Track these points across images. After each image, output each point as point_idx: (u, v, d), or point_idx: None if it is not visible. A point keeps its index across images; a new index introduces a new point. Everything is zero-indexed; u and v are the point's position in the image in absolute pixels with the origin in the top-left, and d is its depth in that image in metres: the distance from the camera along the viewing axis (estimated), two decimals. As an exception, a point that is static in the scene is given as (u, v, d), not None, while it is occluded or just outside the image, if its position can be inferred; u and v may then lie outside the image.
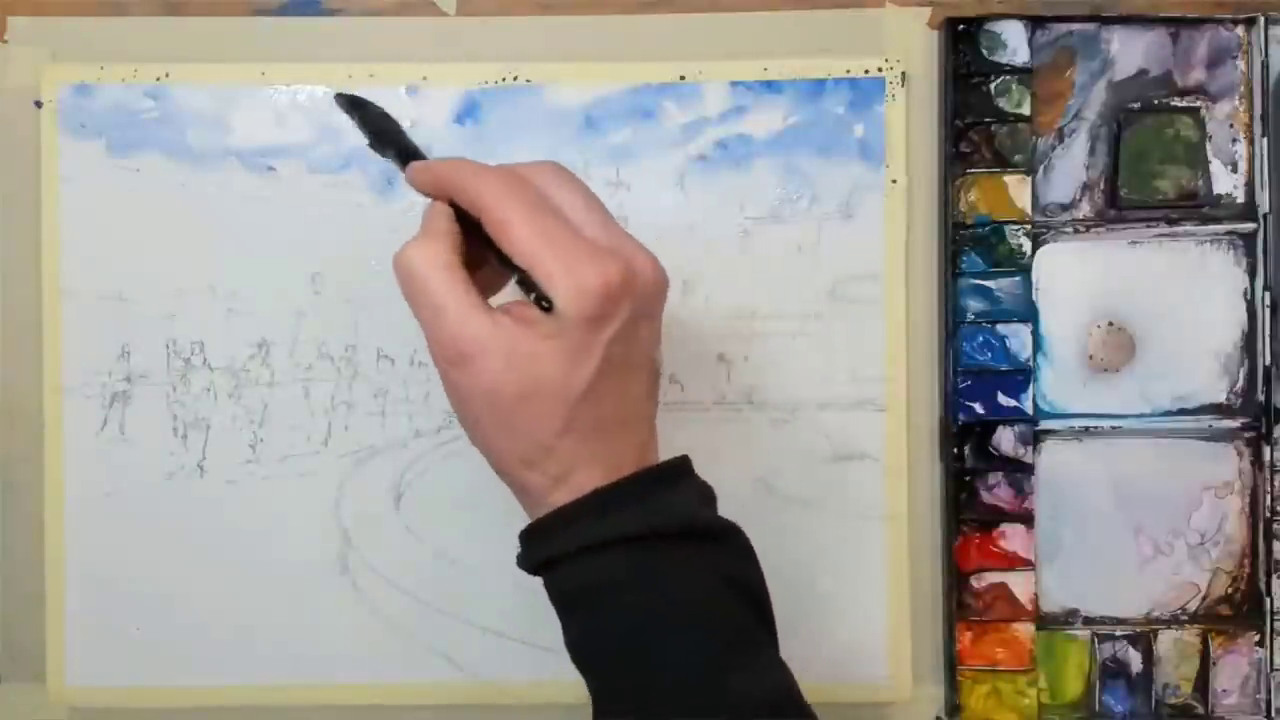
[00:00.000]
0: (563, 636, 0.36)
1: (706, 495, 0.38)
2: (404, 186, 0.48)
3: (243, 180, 0.48)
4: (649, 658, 0.34)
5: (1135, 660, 0.48)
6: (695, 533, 0.36)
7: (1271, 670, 0.48)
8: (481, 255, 0.36)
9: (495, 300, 0.36)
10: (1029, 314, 0.48)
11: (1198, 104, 0.48)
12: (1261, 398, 0.48)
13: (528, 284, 0.34)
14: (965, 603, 0.48)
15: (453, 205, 0.36)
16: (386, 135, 0.41)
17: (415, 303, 0.35)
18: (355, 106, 0.42)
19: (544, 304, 0.33)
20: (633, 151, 0.48)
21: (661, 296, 0.36)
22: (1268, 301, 0.48)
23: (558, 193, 0.35)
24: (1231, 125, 0.48)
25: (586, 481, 0.35)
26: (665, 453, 0.47)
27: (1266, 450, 0.48)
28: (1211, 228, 0.48)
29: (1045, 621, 0.48)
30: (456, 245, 0.35)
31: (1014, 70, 0.47)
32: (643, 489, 0.35)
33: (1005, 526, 0.48)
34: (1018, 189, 0.48)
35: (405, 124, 0.47)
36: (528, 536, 0.36)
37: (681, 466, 0.37)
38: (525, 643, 0.48)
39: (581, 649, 0.36)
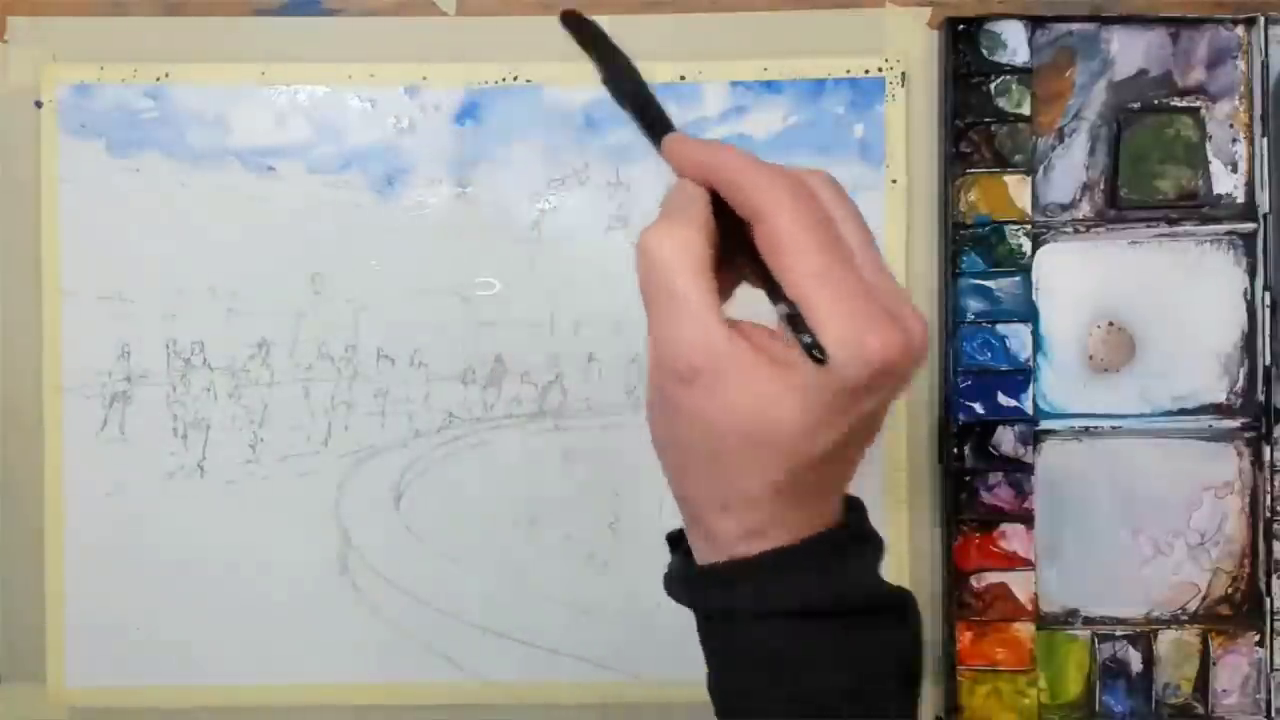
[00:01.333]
0: (705, 678, 0.33)
1: (880, 554, 0.34)
2: (405, 186, 0.48)
3: (243, 180, 0.48)
4: None
5: (1135, 660, 0.48)
6: (876, 608, 0.32)
7: (1271, 670, 0.48)
8: (727, 260, 0.31)
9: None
10: (1029, 314, 0.48)
11: (1198, 104, 0.48)
12: (1261, 398, 0.48)
13: (797, 324, 0.28)
14: (965, 603, 0.48)
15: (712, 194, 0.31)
16: (630, 89, 0.36)
17: (654, 293, 0.30)
18: (598, 40, 0.37)
19: (816, 354, 0.28)
20: (633, 151, 0.48)
21: (925, 361, 0.31)
22: (1268, 301, 0.48)
23: (840, 216, 0.30)
24: (1231, 125, 0.48)
25: (778, 540, 0.31)
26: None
27: (1266, 450, 0.48)
28: (1211, 228, 0.48)
29: (1045, 621, 0.48)
30: (712, 241, 0.30)
31: (1014, 70, 0.47)
32: (835, 552, 0.32)
33: (1005, 526, 0.48)
34: (1018, 189, 0.48)
35: (405, 124, 0.48)
36: (704, 575, 0.33)
37: (863, 526, 0.34)
38: (525, 643, 0.48)
39: (728, 703, 0.33)
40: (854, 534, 0.33)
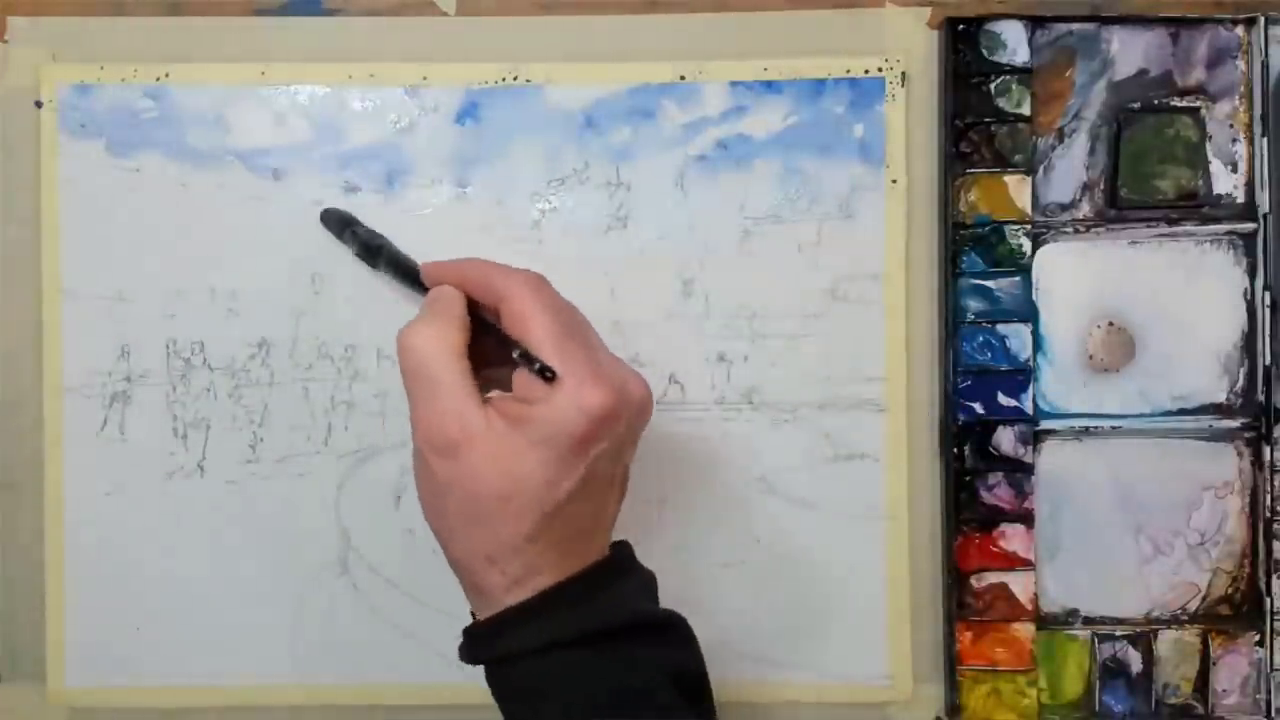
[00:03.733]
0: None
1: (648, 585, 0.39)
2: (405, 186, 0.48)
3: (243, 180, 0.48)
4: None
5: (1135, 660, 0.48)
6: (638, 627, 0.36)
7: (1271, 670, 0.48)
8: (480, 356, 0.37)
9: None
10: (1029, 314, 0.48)
11: (1198, 104, 0.48)
12: (1261, 398, 0.48)
13: (529, 357, 0.35)
14: (965, 603, 0.48)
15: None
16: (379, 250, 0.44)
17: (414, 381, 0.35)
18: (345, 224, 0.46)
19: (548, 375, 0.34)
20: (633, 151, 0.48)
21: (647, 419, 0.37)
22: (1268, 301, 0.48)
23: (564, 304, 0.37)
24: (1231, 125, 0.48)
25: (542, 585, 0.35)
26: (663, 457, 0.48)
27: (1266, 450, 0.48)
28: (1211, 228, 0.48)
29: (1045, 621, 0.48)
30: (464, 328, 0.36)
31: (1014, 70, 0.47)
32: (587, 588, 0.36)
33: (1005, 526, 0.48)
34: (1018, 189, 0.48)
35: (405, 124, 0.48)
36: (473, 634, 0.37)
37: (623, 561, 0.38)
38: (525, 643, 0.48)
39: None
40: (612, 568, 0.37)
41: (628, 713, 0.35)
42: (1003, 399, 0.48)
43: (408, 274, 0.43)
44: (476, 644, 0.37)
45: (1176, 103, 0.48)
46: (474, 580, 0.36)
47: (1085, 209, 0.48)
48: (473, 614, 0.38)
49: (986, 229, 0.48)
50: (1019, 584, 0.48)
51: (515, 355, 0.36)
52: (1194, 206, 0.48)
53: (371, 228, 0.46)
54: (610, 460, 0.36)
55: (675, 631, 0.38)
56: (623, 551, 0.39)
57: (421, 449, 0.36)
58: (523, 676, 0.36)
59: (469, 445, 0.34)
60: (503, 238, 0.48)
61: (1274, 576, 0.48)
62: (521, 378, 0.36)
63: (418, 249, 0.48)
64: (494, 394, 0.36)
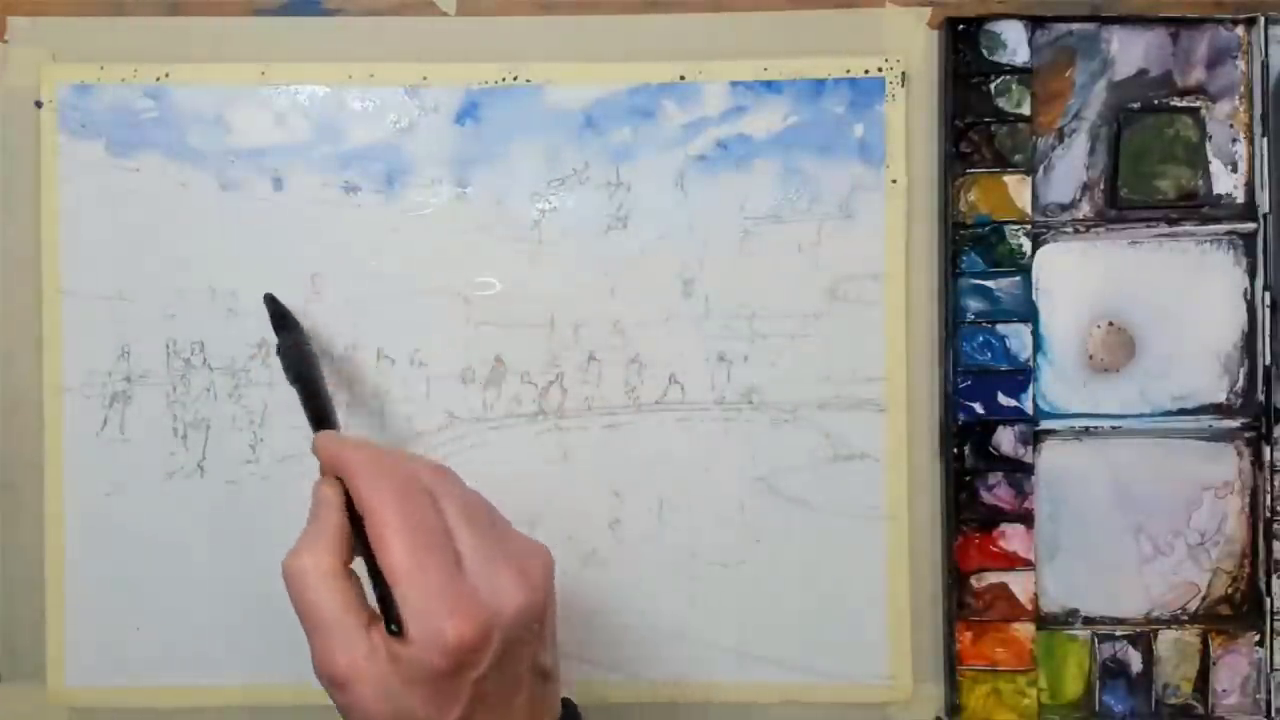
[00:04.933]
0: None
1: None
2: (405, 186, 0.48)
3: (242, 180, 0.48)
4: None
5: (1135, 660, 0.48)
6: None
7: (1271, 670, 0.48)
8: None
9: None
10: (1029, 314, 0.48)
11: (1198, 104, 0.48)
12: (1261, 398, 0.48)
13: (386, 603, 0.34)
14: (965, 603, 0.48)
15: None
16: (304, 374, 0.43)
17: (299, 611, 0.35)
18: (282, 326, 0.44)
19: (392, 629, 0.33)
20: (633, 151, 0.48)
21: (536, 614, 0.35)
22: (1268, 301, 0.48)
23: (447, 503, 0.35)
24: (1231, 125, 0.48)
25: None
26: (663, 457, 0.48)
27: (1266, 450, 0.48)
28: (1211, 228, 0.48)
29: (1045, 621, 0.48)
30: (345, 542, 0.35)
31: (1014, 70, 0.47)
32: None
33: (1005, 526, 0.48)
34: (1018, 189, 0.48)
35: (405, 124, 0.48)
36: None
37: None
38: (525, 643, 0.48)
39: None
40: None
41: None
42: (1003, 399, 0.48)
43: (312, 423, 0.41)
44: None
45: (1176, 103, 0.48)
46: None
47: (1085, 209, 0.48)
48: None
49: (986, 229, 0.48)
50: (1019, 584, 0.48)
51: (375, 600, 0.35)
52: (1194, 206, 0.48)
53: (308, 350, 0.44)
54: (499, 674, 0.34)
55: None
56: None
57: (319, 679, 0.35)
58: None
59: (356, 680, 0.33)
60: (502, 237, 0.48)
61: (1274, 576, 0.48)
62: None
63: (418, 249, 0.48)
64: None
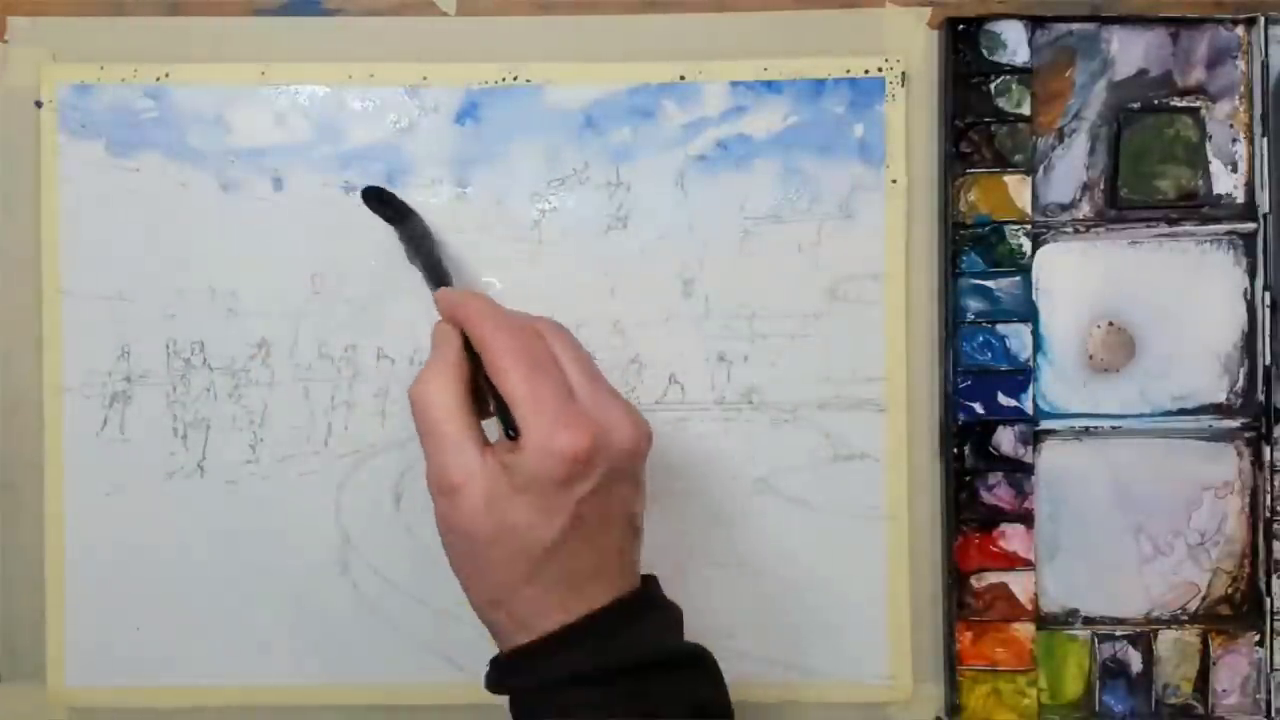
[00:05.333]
0: None
1: (673, 621, 0.39)
2: (405, 186, 0.48)
3: (242, 180, 0.48)
4: None
5: (1135, 660, 0.48)
6: (658, 663, 0.37)
7: (1271, 670, 0.48)
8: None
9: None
10: (1029, 314, 0.48)
11: (1198, 104, 0.48)
12: (1261, 398, 0.48)
13: (504, 412, 0.36)
14: (965, 603, 0.48)
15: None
16: (422, 248, 0.44)
17: (421, 429, 0.37)
18: (399, 217, 0.46)
19: (510, 434, 0.36)
20: (633, 151, 0.48)
21: (639, 458, 0.37)
22: (1268, 301, 0.48)
23: (560, 349, 0.38)
24: (1231, 125, 0.48)
25: (547, 627, 0.36)
26: (663, 457, 0.48)
27: (1266, 450, 0.48)
28: (1211, 228, 0.48)
29: (1045, 621, 0.48)
30: (464, 374, 0.38)
31: (1014, 70, 0.47)
32: (605, 626, 0.36)
33: (1005, 526, 0.48)
34: (1018, 189, 0.48)
35: (405, 124, 0.48)
36: (494, 667, 0.38)
37: (640, 600, 0.38)
38: (525, 643, 0.48)
39: None
40: (625, 608, 0.37)
41: None
42: (1003, 399, 0.48)
43: (432, 283, 0.43)
44: (493, 677, 0.38)
45: (1176, 103, 0.48)
46: (485, 620, 0.38)
47: (1085, 209, 0.48)
48: None
49: (986, 229, 0.48)
50: (1019, 584, 0.48)
51: (491, 409, 0.38)
52: (1194, 206, 0.48)
53: (424, 223, 0.46)
54: (599, 501, 0.36)
55: (697, 667, 0.38)
56: (643, 589, 0.39)
57: (430, 490, 0.37)
58: (538, 710, 0.37)
59: (466, 486, 0.35)
60: (503, 237, 0.48)
61: (1274, 576, 0.48)
62: None
63: (418, 249, 0.48)
64: (496, 441, 0.37)
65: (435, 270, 0.43)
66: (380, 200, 0.46)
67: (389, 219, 0.46)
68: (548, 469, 0.35)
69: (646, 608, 0.38)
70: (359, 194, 0.47)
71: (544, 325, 0.39)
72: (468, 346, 0.38)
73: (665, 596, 0.40)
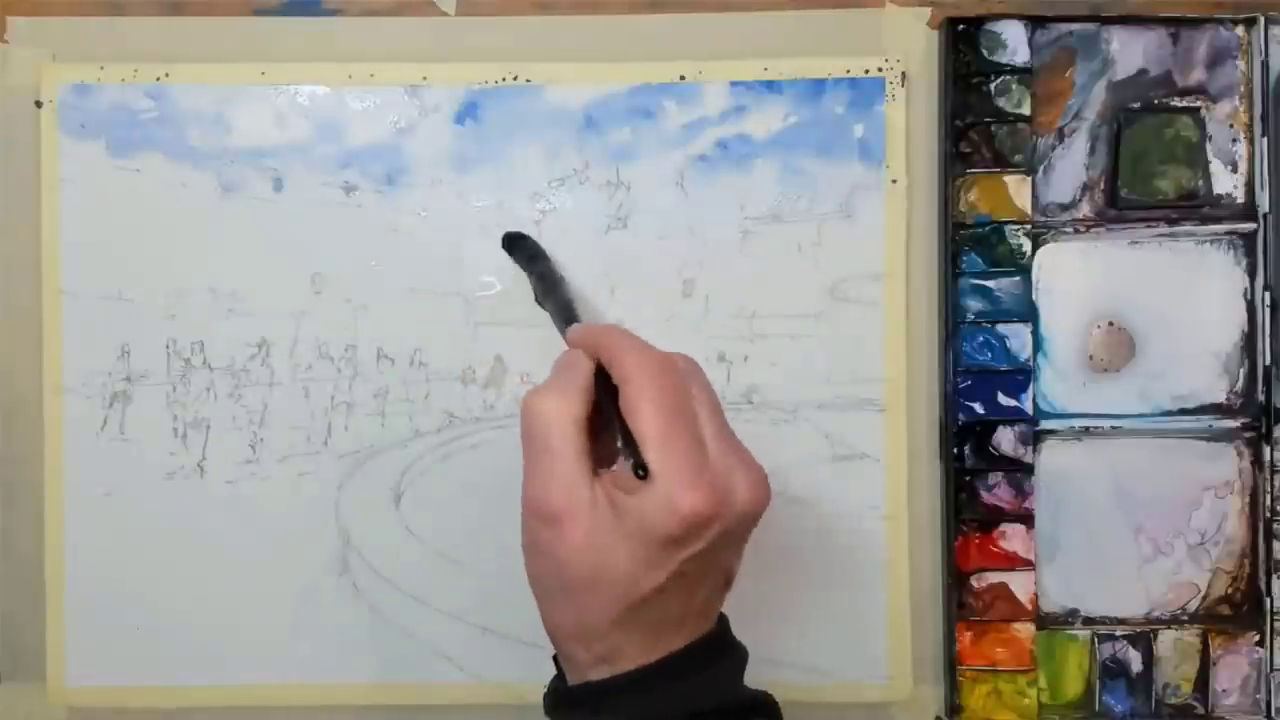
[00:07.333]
0: None
1: (738, 665, 0.38)
2: (405, 186, 0.48)
3: (242, 180, 0.48)
4: None
5: (1135, 660, 0.48)
6: (723, 711, 0.36)
7: (1271, 670, 0.48)
8: (603, 423, 0.36)
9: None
10: (1029, 314, 0.48)
11: (1198, 104, 0.48)
12: (1261, 398, 0.48)
13: (632, 448, 0.34)
14: (965, 603, 0.48)
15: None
16: (554, 289, 0.44)
17: (531, 445, 0.35)
18: (532, 260, 0.46)
19: (640, 473, 0.33)
20: (633, 151, 0.48)
21: (754, 521, 0.36)
22: (1268, 301, 0.48)
23: (696, 390, 0.36)
24: (1231, 125, 0.48)
25: (625, 667, 0.35)
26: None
27: (1266, 450, 0.48)
28: (1211, 228, 0.48)
29: (1045, 621, 0.48)
30: (588, 399, 0.35)
31: (1014, 70, 0.47)
32: (672, 673, 0.35)
33: (1005, 526, 0.48)
34: (1018, 189, 0.48)
35: (405, 124, 0.48)
36: (560, 696, 0.37)
37: (714, 644, 0.37)
38: (525, 643, 0.48)
39: None
40: (701, 653, 0.36)
41: None
42: (1003, 399, 0.48)
43: (563, 321, 0.42)
44: (563, 707, 0.37)
45: (1176, 103, 0.48)
46: (562, 649, 0.37)
47: (1085, 209, 0.48)
48: (555, 659, 0.38)
49: (986, 229, 0.48)
50: (1019, 584, 0.48)
51: (619, 444, 0.35)
52: (1194, 206, 0.48)
53: (553, 267, 0.46)
54: (704, 560, 0.34)
55: (761, 714, 0.38)
56: (716, 632, 0.38)
57: (526, 510, 0.35)
58: None
59: (570, 519, 0.34)
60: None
61: (1274, 576, 0.48)
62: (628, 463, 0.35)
63: (418, 249, 0.48)
64: (606, 471, 0.35)
65: (566, 310, 0.42)
66: (513, 244, 0.47)
67: (522, 264, 0.46)
68: (665, 525, 0.33)
69: (719, 654, 0.37)
70: (501, 239, 0.47)
71: (684, 363, 0.37)
72: (597, 381, 0.36)
73: (734, 638, 0.38)
